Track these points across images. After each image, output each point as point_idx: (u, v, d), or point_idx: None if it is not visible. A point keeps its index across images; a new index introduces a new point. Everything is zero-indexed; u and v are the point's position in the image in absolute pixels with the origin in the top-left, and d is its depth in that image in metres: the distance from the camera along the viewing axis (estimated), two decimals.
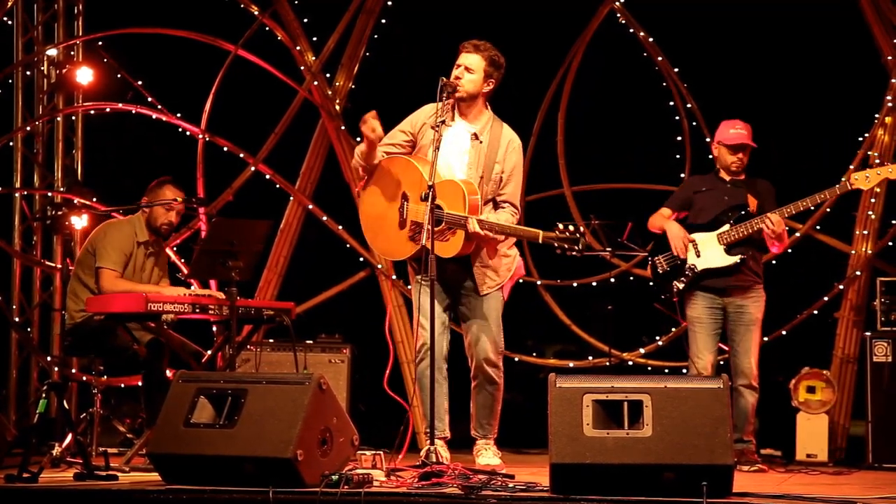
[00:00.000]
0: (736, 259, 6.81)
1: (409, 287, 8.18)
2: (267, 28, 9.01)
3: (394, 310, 8.78)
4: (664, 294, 7.00)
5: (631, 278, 8.64)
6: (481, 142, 6.09)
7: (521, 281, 8.16)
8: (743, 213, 6.85)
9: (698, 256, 6.88)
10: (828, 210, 8.32)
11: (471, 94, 6.09)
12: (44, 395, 5.72)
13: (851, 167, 8.29)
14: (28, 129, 9.03)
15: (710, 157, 8.46)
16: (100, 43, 9.08)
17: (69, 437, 6.23)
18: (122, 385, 7.89)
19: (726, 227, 6.86)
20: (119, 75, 9.09)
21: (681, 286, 6.89)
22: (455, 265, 6.07)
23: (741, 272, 6.84)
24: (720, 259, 6.84)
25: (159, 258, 6.96)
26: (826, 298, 8.31)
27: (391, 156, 6.19)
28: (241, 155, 9.04)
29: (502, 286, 6.19)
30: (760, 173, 7.07)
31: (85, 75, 8.91)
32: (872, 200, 8.18)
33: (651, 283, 7.09)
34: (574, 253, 5.75)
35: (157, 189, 6.87)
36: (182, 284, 7.63)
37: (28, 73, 9.09)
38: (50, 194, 9.00)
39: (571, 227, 5.78)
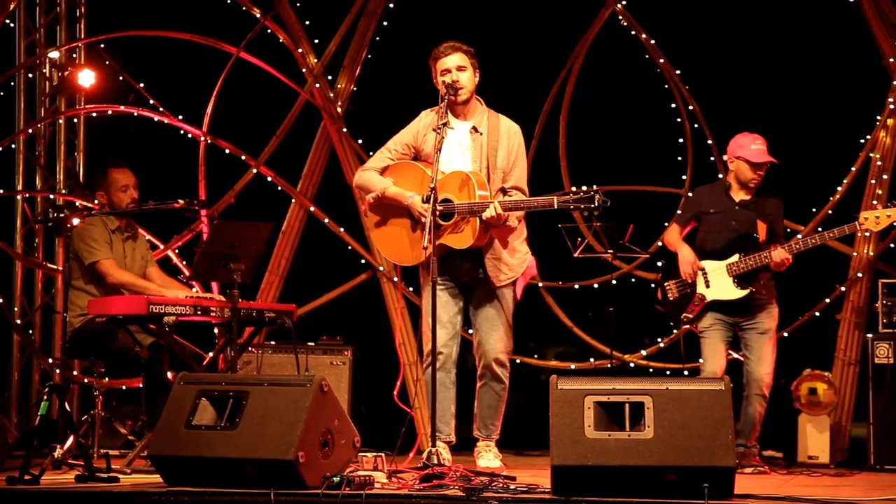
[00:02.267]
0: (745, 293, 6.81)
1: (411, 289, 8.21)
2: (269, 30, 9.01)
3: (395, 312, 8.77)
4: (672, 321, 7.01)
5: (633, 280, 8.65)
6: (481, 133, 6.11)
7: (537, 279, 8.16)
8: (752, 243, 6.83)
9: (707, 287, 6.88)
10: (830, 212, 8.32)
11: (471, 92, 6.11)
12: (45, 397, 5.71)
13: (853, 169, 8.30)
14: (30, 131, 9.04)
15: (712, 158, 8.50)
16: (102, 45, 9.09)
17: (71, 439, 6.23)
18: (124, 387, 7.90)
19: (736, 257, 6.84)
20: (121, 78, 9.10)
21: (691, 316, 6.90)
22: (468, 262, 6.07)
23: (752, 300, 6.84)
24: (730, 292, 6.83)
25: (138, 243, 6.99)
26: (828, 300, 8.30)
27: (395, 163, 6.19)
28: (243, 157, 9.05)
29: (515, 282, 6.18)
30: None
31: (87, 78, 8.91)
32: (874, 203, 8.18)
33: (661, 309, 7.09)
34: (592, 210, 5.74)
35: (103, 177, 6.87)
36: (183, 285, 7.63)
37: (30, 75, 9.10)
38: (52, 196, 9.01)
39: (584, 188, 5.78)
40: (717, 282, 6.87)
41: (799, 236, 8.23)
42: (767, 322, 6.89)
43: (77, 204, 8.62)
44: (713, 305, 6.88)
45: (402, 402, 6.24)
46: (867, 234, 8.13)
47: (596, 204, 5.76)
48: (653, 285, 7.24)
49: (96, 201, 7.04)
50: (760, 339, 6.86)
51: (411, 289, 8.25)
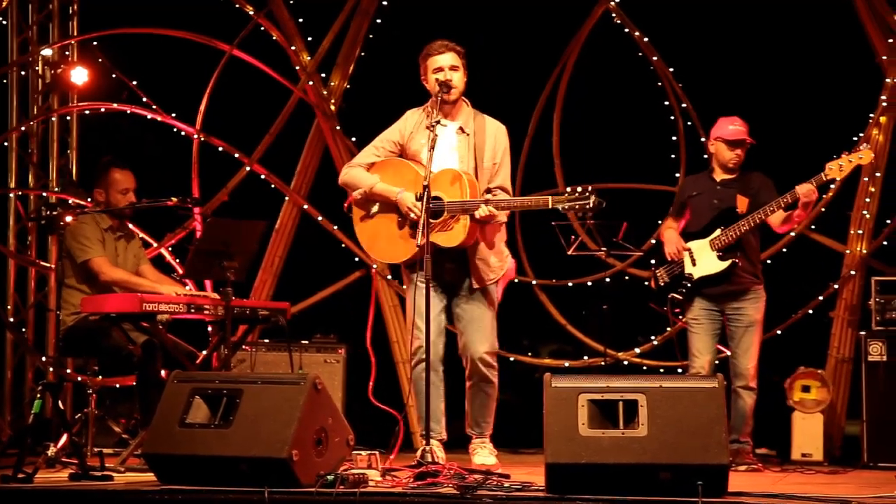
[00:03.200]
0: (728, 263, 6.83)
1: (404, 287, 8.20)
2: (262, 28, 9.01)
3: (389, 310, 8.78)
4: (665, 306, 7.02)
5: (626, 278, 8.65)
6: (468, 134, 6.11)
7: (516, 281, 8.17)
8: (732, 216, 6.86)
9: (694, 265, 6.91)
10: (823, 209, 8.33)
11: (461, 92, 6.11)
12: (39, 396, 5.71)
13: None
14: (23, 129, 9.02)
15: (706, 156, 8.49)
16: (94, 43, 9.07)
17: (64, 438, 6.22)
18: (118, 385, 7.89)
19: (718, 231, 6.88)
20: (114, 75, 9.08)
21: (679, 297, 6.92)
22: (453, 263, 6.07)
23: (736, 275, 6.85)
24: (713, 265, 6.87)
25: (131, 242, 6.98)
26: (821, 298, 8.31)
27: (382, 160, 6.18)
28: (237, 155, 9.04)
29: (497, 282, 6.19)
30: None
31: (80, 75, 8.89)
32: (867, 200, 8.19)
33: (654, 295, 7.10)
34: (587, 211, 5.74)
35: (104, 174, 6.84)
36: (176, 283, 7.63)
37: (23, 73, 9.08)
38: (45, 194, 8.99)
39: (580, 188, 5.77)
40: (702, 258, 6.90)
41: (792, 233, 8.26)
42: (754, 313, 6.90)
43: (70, 202, 8.61)
44: (701, 286, 6.87)
45: (386, 401, 6.23)
46: (864, 213, 8.09)
47: (591, 205, 5.75)
48: (646, 283, 7.25)
49: (89, 199, 7.03)
50: (747, 331, 6.89)
51: (405, 287, 8.23)
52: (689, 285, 6.90)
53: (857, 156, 6.75)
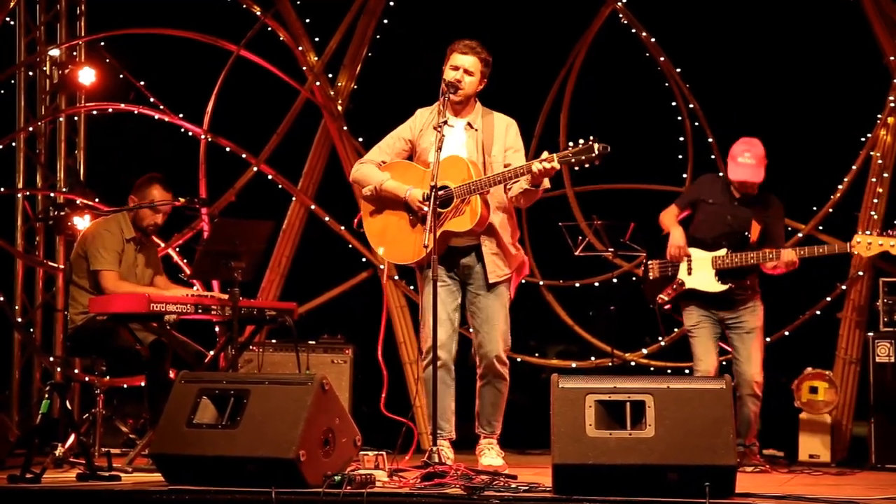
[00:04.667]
0: (723, 288, 6.80)
1: (411, 287, 8.21)
2: (269, 28, 9.02)
3: (396, 310, 8.78)
4: (651, 303, 7.00)
5: (633, 279, 8.64)
6: (476, 129, 6.11)
7: (523, 281, 8.17)
8: (742, 242, 6.82)
9: (689, 274, 6.87)
10: (830, 210, 8.32)
11: (469, 96, 6.11)
12: (46, 396, 5.71)
13: (854, 167, 8.30)
14: (31, 129, 9.04)
15: (713, 157, 8.51)
16: (102, 43, 9.09)
17: (72, 438, 6.23)
18: (125, 385, 7.91)
19: (723, 251, 6.84)
20: (121, 76, 9.10)
21: (666, 298, 6.89)
22: (466, 257, 6.06)
23: (731, 296, 6.83)
24: (709, 284, 6.84)
25: (150, 253, 6.99)
26: (828, 299, 8.31)
27: (392, 162, 6.18)
28: (244, 155, 9.05)
29: (510, 280, 6.17)
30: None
31: (87, 76, 8.92)
32: (875, 201, 8.18)
33: (638, 282, 7.09)
34: (593, 162, 5.68)
35: (145, 187, 6.87)
36: (185, 285, 7.63)
37: (30, 73, 9.10)
38: (52, 195, 9.01)
39: (581, 140, 5.74)
40: (700, 271, 6.87)
41: (799, 234, 8.26)
42: (752, 321, 6.88)
43: (78, 202, 8.62)
44: (693, 296, 6.86)
45: (394, 403, 6.22)
46: (872, 213, 8.11)
47: (596, 153, 5.71)
48: (640, 285, 7.23)
49: (97, 199, 7.03)
50: (747, 338, 6.86)
51: (412, 287, 8.25)
52: (677, 291, 6.87)
53: (889, 242, 6.70)
